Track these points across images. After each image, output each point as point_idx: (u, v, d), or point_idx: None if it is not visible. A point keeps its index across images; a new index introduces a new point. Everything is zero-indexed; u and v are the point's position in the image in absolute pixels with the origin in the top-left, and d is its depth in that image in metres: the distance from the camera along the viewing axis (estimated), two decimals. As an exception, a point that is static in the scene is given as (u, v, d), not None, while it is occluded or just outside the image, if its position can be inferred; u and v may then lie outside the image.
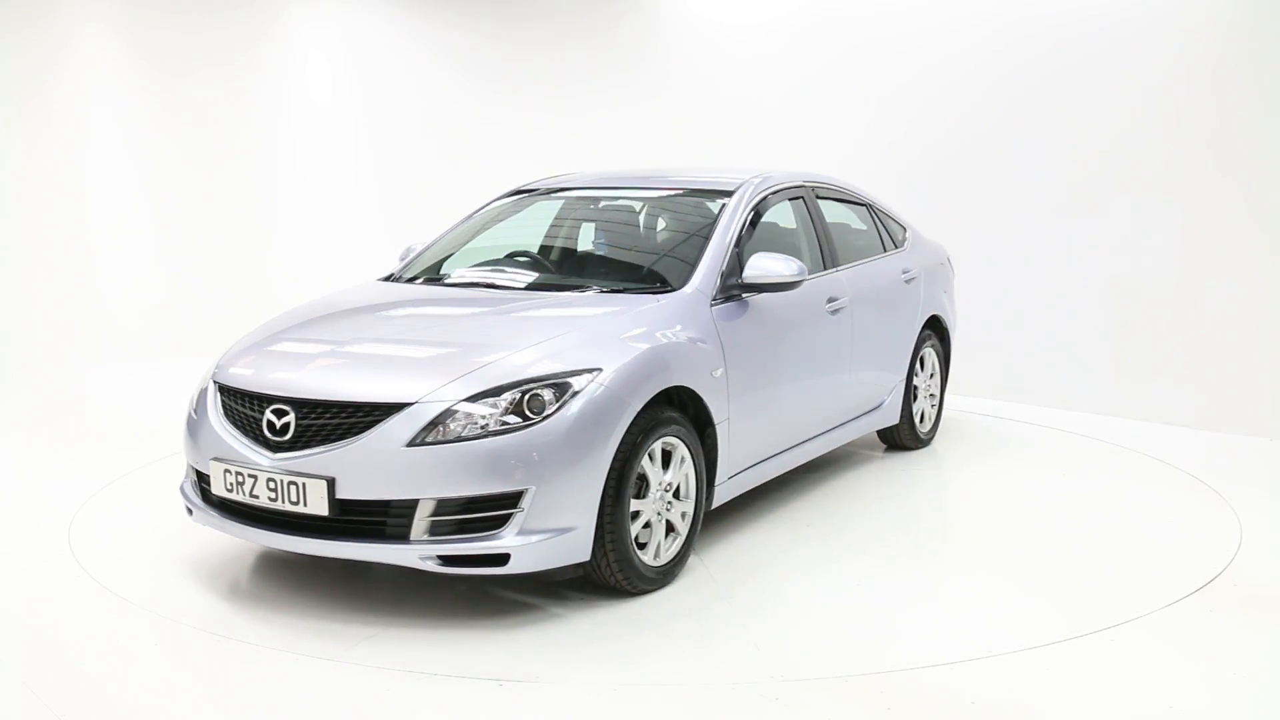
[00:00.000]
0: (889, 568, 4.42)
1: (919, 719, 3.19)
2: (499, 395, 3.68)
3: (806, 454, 5.18)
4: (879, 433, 6.09)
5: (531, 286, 4.81)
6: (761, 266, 4.58)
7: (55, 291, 9.10)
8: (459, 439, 3.61)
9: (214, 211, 9.52)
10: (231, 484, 3.88)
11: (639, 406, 3.86)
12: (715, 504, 4.48)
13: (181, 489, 4.34)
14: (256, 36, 9.59)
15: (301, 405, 3.79)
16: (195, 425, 4.17)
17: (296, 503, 3.71)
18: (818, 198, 5.54)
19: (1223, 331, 6.73)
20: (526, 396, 3.70)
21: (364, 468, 3.63)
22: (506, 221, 5.54)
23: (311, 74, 9.86)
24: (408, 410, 3.66)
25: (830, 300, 5.18)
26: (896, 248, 6.07)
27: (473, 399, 3.66)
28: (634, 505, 3.93)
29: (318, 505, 3.67)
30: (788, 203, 5.37)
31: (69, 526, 4.93)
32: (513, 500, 3.63)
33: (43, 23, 8.88)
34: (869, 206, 6.06)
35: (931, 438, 6.36)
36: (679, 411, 4.18)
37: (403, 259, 5.45)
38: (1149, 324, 7.06)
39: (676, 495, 4.17)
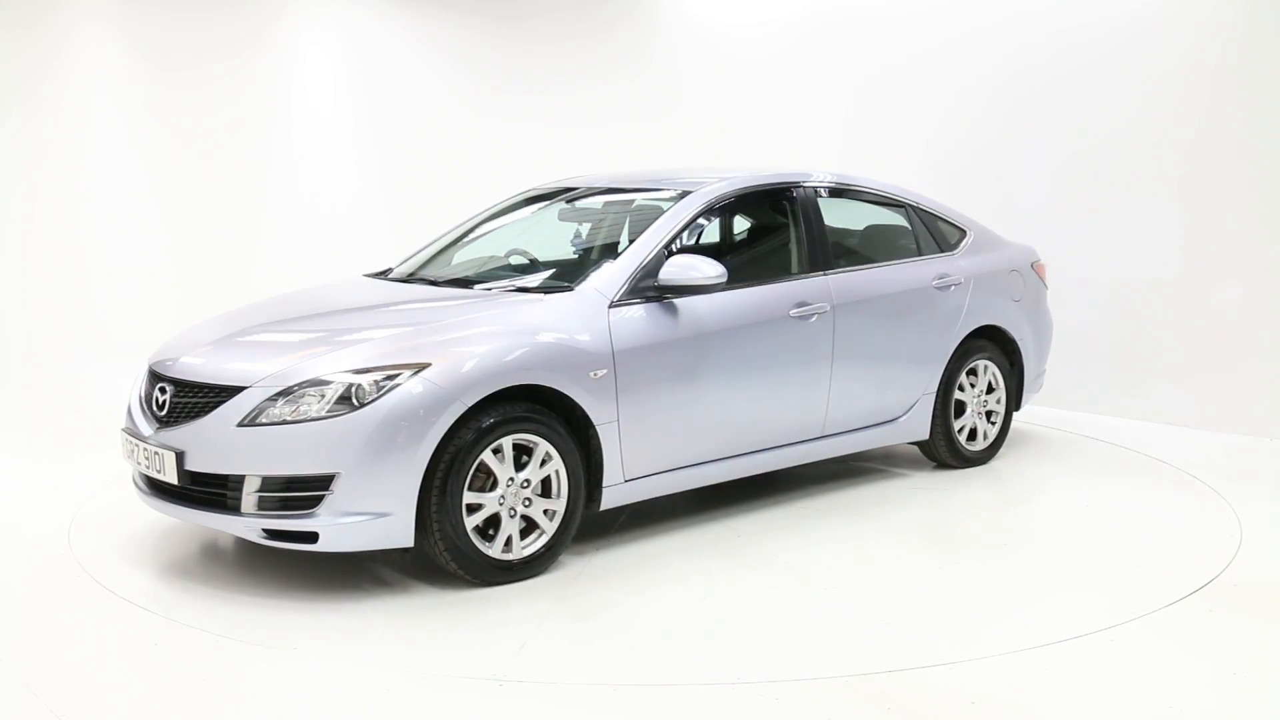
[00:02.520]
0: (872, 571, 4.43)
1: (919, 719, 3.19)
2: (324, 385, 3.94)
3: (766, 464, 5.03)
4: (923, 449, 5.80)
5: (463, 284, 4.93)
6: (678, 268, 4.56)
7: (54, 290, 9.09)
8: (284, 422, 3.91)
9: (215, 210, 9.52)
10: (128, 452, 4.39)
11: (470, 402, 4.00)
12: (608, 506, 4.49)
13: None
14: (257, 34, 9.58)
15: (176, 385, 4.23)
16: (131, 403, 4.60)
17: (160, 471, 4.14)
18: (820, 197, 5.36)
19: (1223, 331, 6.73)
20: (352, 387, 3.93)
21: (205, 444, 4.02)
22: (498, 222, 5.58)
23: (312, 72, 9.86)
24: (243, 394, 4.01)
25: (800, 305, 4.99)
26: (943, 251, 5.75)
27: (298, 386, 3.96)
28: (477, 499, 4.07)
29: (171, 475, 4.09)
30: (783, 203, 5.31)
31: (69, 526, 4.93)
32: (325, 483, 3.87)
33: (43, 20, 8.87)
34: (910, 207, 5.76)
35: (988, 457, 5.89)
36: (553, 410, 4.26)
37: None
38: (1149, 324, 7.05)
39: (547, 493, 4.26)
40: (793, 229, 5.26)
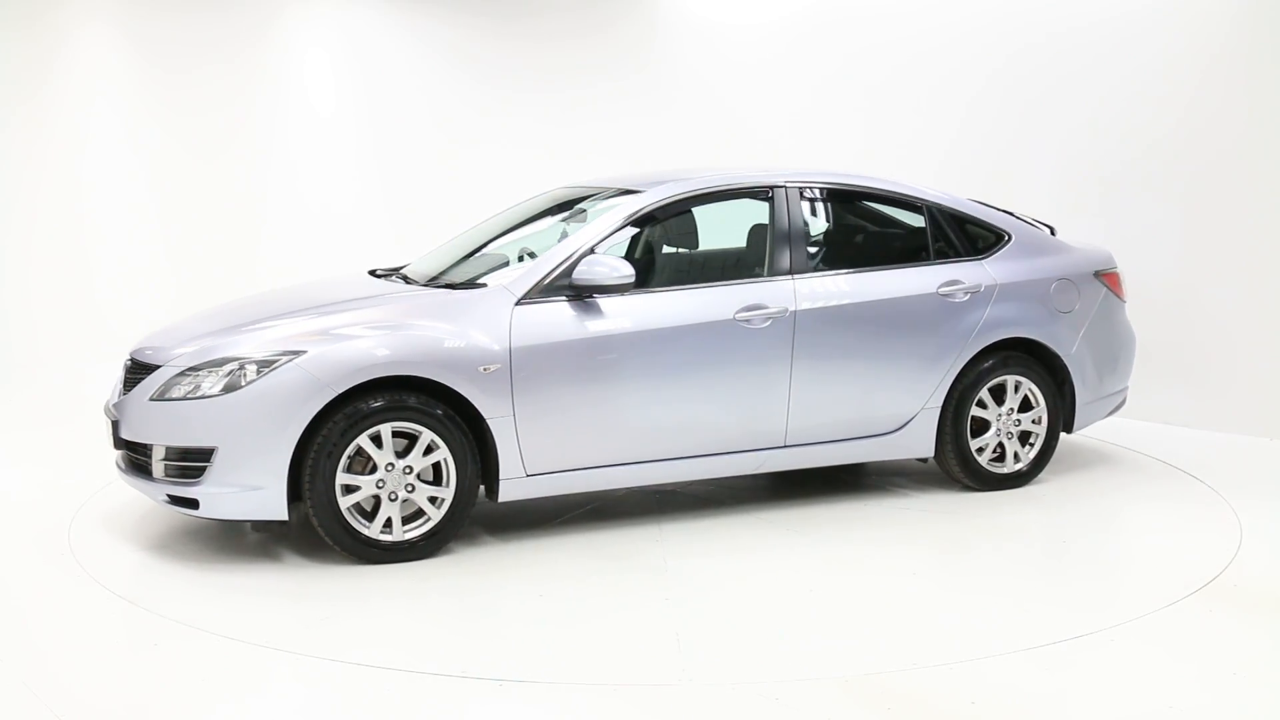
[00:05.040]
0: (868, 566, 4.43)
1: (919, 719, 3.19)
2: (218, 367, 4.34)
3: (707, 470, 4.95)
4: (942, 466, 5.39)
5: (412, 280, 5.10)
6: (588, 268, 4.61)
7: (55, 290, 9.09)
8: (184, 398, 4.33)
9: (216, 210, 9.52)
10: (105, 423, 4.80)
11: (340, 389, 4.28)
12: (507, 499, 4.59)
13: None
14: (257, 34, 9.58)
15: (132, 362, 4.69)
16: None
17: (108, 439, 4.67)
18: (804, 199, 5.21)
19: (1223, 331, 6.73)
20: (241, 369, 4.32)
21: (131, 415, 4.50)
22: (537, 221, 5.54)
23: (312, 72, 9.86)
24: (157, 371, 4.47)
25: (750, 308, 4.86)
26: (966, 256, 5.35)
27: (196, 368, 4.37)
28: (355, 480, 4.35)
29: (110, 441, 4.64)
30: (753, 204, 5.20)
31: (69, 526, 4.94)
32: (207, 455, 4.28)
33: (43, 22, 8.87)
34: (929, 209, 5.38)
35: (1023, 480, 5.42)
36: (450, 402, 4.43)
37: None
38: (1149, 324, 7.03)
39: (439, 480, 4.47)
40: (770, 228, 5.13)
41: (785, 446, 5.02)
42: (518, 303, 4.59)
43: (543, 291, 4.63)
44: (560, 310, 4.63)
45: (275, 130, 9.69)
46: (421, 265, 5.36)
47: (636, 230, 5.18)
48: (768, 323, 4.89)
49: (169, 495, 4.40)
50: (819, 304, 5.00)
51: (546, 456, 4.61)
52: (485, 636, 3.81)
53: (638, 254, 5.50)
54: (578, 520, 4.98)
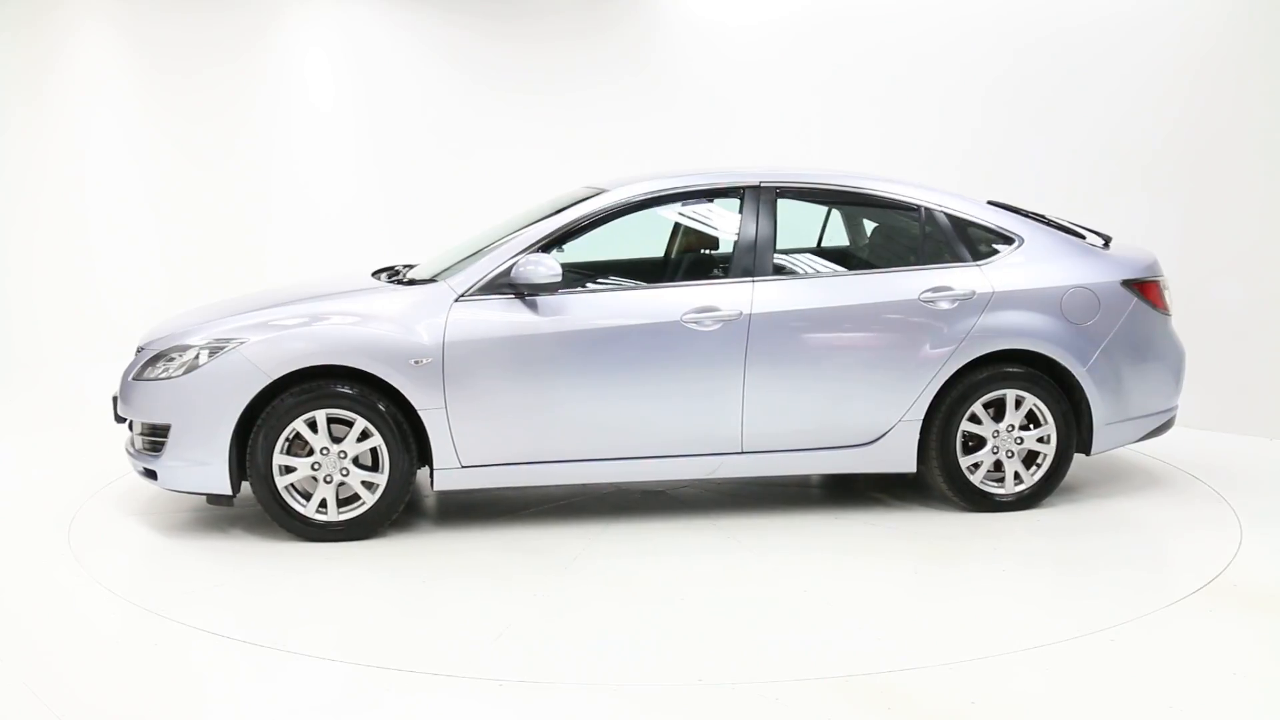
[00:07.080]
0: (876, 569, 4.42)
1: (919, 719, 3.19)
2: (182, 352, 4.70)
3: (657, 472, 4.89)
4: (930, 483, 5.24)
5: (388, 278, 5.24)
6: (524, 267, 4.70)
7: (56, 291, 9.10)
8: (156, 379, 4.71)
9: (215, 211, 9.52)
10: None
11: (275, 375, 4.58)
12: (443, 488, 4.75)
13: None
14: (257, 35, 9.58)
15: (140, 347, 4.98)
16: None
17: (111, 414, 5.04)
18: (782, 198, 5.04)
19: (1223, 331, 6.73)
20: (197, 354, 4.66)
21: (122, 394, 4.87)
22: (513, 223, 5.56)
23: (312, 72, 9.86)
24: (139, 353, 4.88)
25: (700, 310, 4.78)
26: (963, 260, 5.04)
27: (165, 352, 4.75)
28: (292, 461, 4.63)
29: (111, 416, 4.99)
30: (720, 205, 5.16)
31: (69, 526, 4.94)
32: (164, 431, 4.67)
33: (43, 22, 8.87)
34: (925, 211, 5.09)
35: (1029, 503, 5.07)
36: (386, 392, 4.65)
37: None
38: (1149, 324, 7.04)
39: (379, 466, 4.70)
40: (741, 229, 5.00)
41: (742, 453, 4.90)
42: (457, 299, 4.73)
43: (483, 289, 4.76)
44: (497, 307, 4.74)
45: (275, 130, 9.69)
46: (427, 265, 5.37)
47: (602, 229, 5.08)
48: (718, 326, 4.80)
49: (143, 468, 4.76)
50: (777, 308, 4.84)
51: (482, 449, 4.73)
52: (328, 618, 3.96)
53: (603, 254, 5.44)
54: (533, 515, 5.04)
